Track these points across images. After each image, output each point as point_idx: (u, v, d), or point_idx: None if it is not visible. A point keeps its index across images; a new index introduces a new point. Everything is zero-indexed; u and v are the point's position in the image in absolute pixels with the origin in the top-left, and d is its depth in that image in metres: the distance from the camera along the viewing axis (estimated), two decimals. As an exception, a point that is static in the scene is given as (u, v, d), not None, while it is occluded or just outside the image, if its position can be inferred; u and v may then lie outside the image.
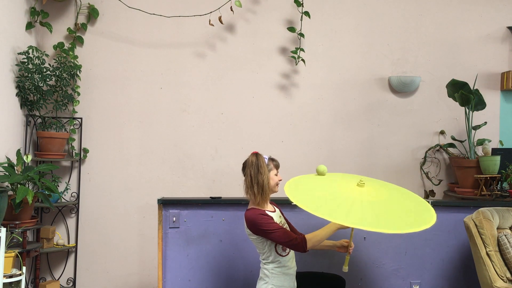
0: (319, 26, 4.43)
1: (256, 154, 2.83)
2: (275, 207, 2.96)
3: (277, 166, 2.90)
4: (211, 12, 4.23)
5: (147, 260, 4.22)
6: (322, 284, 3.10)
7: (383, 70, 4.48)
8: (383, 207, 2.67)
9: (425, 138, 4.48)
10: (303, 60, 4.32)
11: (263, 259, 2.83)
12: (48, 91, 3.93)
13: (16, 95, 3.75)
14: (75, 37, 4.19)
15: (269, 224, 2.72)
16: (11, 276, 3.01)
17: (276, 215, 2.86)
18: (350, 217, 2.52)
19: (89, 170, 4.21)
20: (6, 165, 3.38)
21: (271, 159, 2.89)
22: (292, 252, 2.87)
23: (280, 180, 2.90)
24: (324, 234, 2.80)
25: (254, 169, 2.78)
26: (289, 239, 2.71)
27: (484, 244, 3.25)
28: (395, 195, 2.90)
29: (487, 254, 3.22)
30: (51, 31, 4.11)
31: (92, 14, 4.18)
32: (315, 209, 2.57)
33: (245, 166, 2.86)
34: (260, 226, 2.71)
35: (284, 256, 2.80)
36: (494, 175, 3.94)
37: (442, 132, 4.48)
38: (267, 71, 4.38)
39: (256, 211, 2.76)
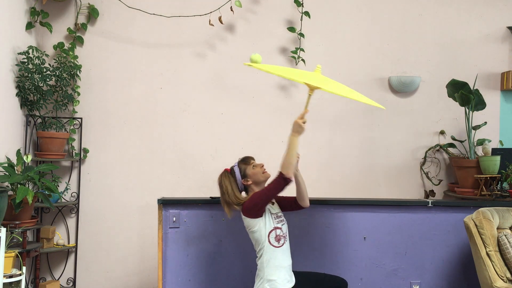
0: (319, 26, 4.43)
1: (219, 176, 3.02)
2: (273, 202, 3.05)
3: (248, 162, 3.00)
4: (211, 12, 4.23)
5: (147, 260, 4.22)
6: (323, 285, 3.09)
7: (383, 70, 4.48)
8: (341, 86, 2.96)
9: (425, 138, 4.48)
10: (303, 60, 4.32)
11: (258, 253, 2.89)
12: (48, 91, 3.92)
13: (16, 95, 3.74)
14: (75, 37, 4.19)
15: (252, 199, 2.84)
16: (11, 276, 3.00)
17: (274, 207, 2.97)
18: (314, 80, 2.77)
19: (89, 170, 4.21)
20: (6, 165, 3.38)
21: (240, 161, 3.01)
22: (285, 246, 2.90)
23: (262, 165, 2.99)
24: (290, 151, 2.76)
25: (220, 192, 2.99)
26: (270, 186, 2.80)
27: (484, 244, 3.25)
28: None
29: (487, 254, 3.22)
30: (51, 31, 4.11)
31: (92, 14, 4.18)
32: (277, 70, 2.73)
33: None
34: (250, 207, 2.83)
35: (278, 247, 2.85)
36: (494, 175, 3.94)
37: (442, 132, 4.48)
38: (267, 71, 4.38)
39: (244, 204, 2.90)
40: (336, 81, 3.00)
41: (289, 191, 2.93)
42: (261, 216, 2.85)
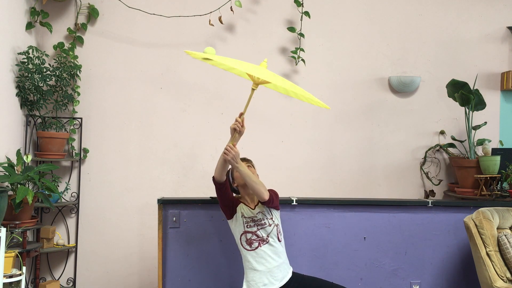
0: (319, 26, 4.43)
1: None
2: (256, 205, 3.01)
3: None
4: (211, 12, 4.23)
5: (147, 260, 4.22)
6: None
7: (383, 70, 4.48)
8: (290, 84, 2.86)
9: (425, 138, 4.48)
10: (303, 60, 4.32)
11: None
12: (48, 91, 3.92)
13: (16, 95, 3.74)
14: (75, 37, 4.18)
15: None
16: (11, 276, 3.00)
17: (249, 211, 2.94)
18: (262, 75, 2.71)
19: (89, 170, 4.21)
20: (6, 165, 3.38)
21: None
22: (260, 250, 2.87)
23: None
24: (220, 158, 2.89)
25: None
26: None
27: (484, 244, 3.25)
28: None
29: (487, 254, 3.22)
30: (51, 31, 4.11)
31: (92, 14, 4.18)
32: (225, 60, 2.71)
33: None
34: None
35: (249, 250, 2.89)
36: (494, 175, 3.94)
37: (442, 132, 4.48)
38: (267, 71, 4.37)
39: None
40: (282, 77, 2.95)
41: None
42: (230, 218, 2.95)
